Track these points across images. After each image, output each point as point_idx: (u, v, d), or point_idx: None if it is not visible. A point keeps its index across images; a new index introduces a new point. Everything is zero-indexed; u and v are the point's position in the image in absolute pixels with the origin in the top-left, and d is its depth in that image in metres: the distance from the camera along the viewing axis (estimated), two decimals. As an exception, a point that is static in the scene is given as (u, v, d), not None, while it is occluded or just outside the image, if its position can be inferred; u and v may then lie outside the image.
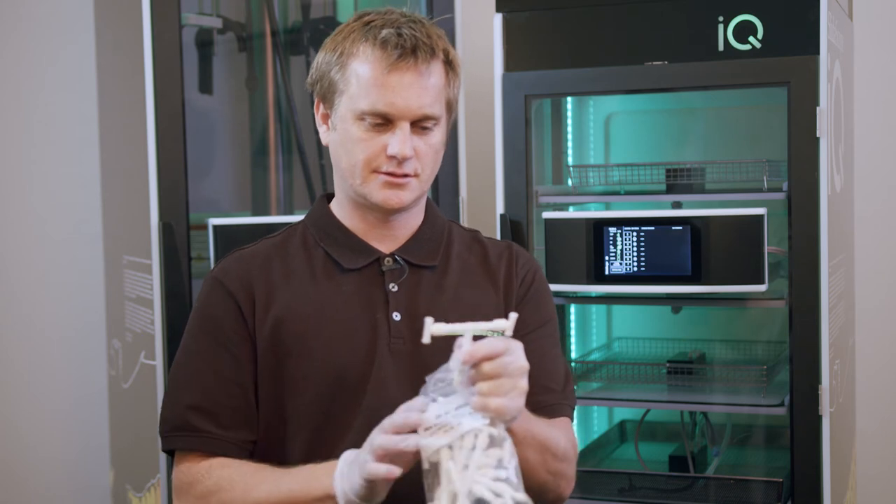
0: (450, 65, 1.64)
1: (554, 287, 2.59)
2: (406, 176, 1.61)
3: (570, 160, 2.95)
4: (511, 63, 2.61)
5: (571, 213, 2.70)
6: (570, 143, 2.97)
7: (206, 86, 2.93)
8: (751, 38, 2.44)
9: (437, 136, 1.64)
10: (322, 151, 3.01)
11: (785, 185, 2.43)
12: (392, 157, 1.59)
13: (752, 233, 2.42)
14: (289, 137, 3.00)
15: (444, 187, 2.79)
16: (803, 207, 2.37)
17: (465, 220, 2.80)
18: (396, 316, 1.64)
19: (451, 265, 1.71)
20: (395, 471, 1.38)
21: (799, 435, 2.40)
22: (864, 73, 3.06)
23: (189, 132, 2.55)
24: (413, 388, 1.60)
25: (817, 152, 2.35)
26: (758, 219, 2.42)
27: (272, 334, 1.62)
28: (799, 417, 2.39)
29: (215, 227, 2.56)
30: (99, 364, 3.17)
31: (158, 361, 2.52)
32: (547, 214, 2.59)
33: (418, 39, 1.58)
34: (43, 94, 3.20)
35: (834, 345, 2.45)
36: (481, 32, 2.76)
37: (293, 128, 2.93)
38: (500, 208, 2.61)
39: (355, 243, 1.68)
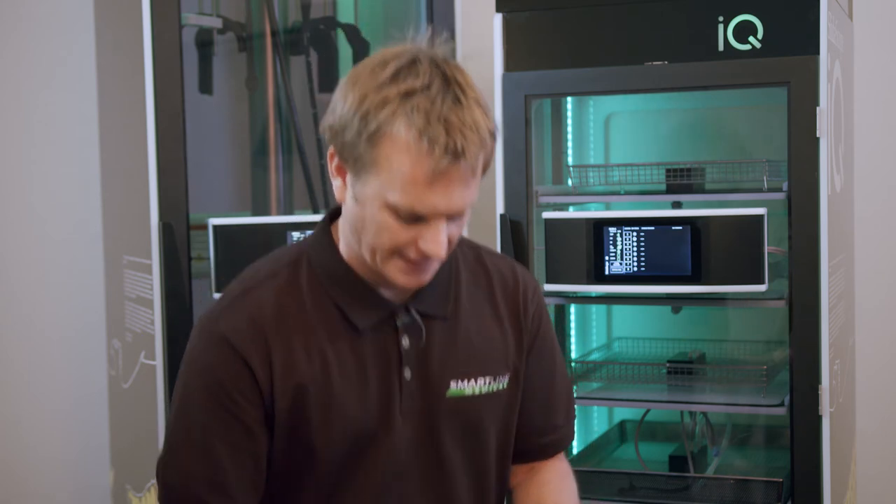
0: (494, 139, 1.46)
1: (554, 287, 2.60)
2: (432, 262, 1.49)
3: (570, 160, 2.95)
4: (511, 63, 2.61)
5: (571, 213, 2.70)
6: (570, 143, 2.97)
7: (206, 86, 2.93)
8: (751, 38, 2.44)
9: (470, 210, 1.48)
10: (322, 151, 3.01)
11: (785, 185, 2.43)
12: (422, 251, 1.44)
13: (752, 233, 2.42)
14: (289, 137, 3.00)
15: (444, 187, 2.79)
16: (803, 207, 2.37)
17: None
18: (407, 373, 1.55)
19: (461, 311, 1.61)
20: None
21: (799, 435, 2.40)
22: (864, 73, 3.06)
23: (189, 132, 2.55)
24: (421, 445, 1.56)
25: (817, 152, 2.35)
26: (758, 219, 2.42)
27: (292, 403, 1.51)
28: (799, 417, 2.39)
29: (215, 227, 2.56)
30: (99, 364, 3.16)
31: (158, 361, 2.52)
32: (547, 214, 2.59)
33: (468, 140, 1.39)
34: (43, 94, 3.20)
35: (834, 345, 2.45)
36: (481, 32, 2.75)
37: (293, 128, 2.93)
38: (500, 208, 2.61)
39: (368, 295, 1.54)
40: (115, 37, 2.89)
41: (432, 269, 1.50)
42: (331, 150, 1.50)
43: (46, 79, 3.20)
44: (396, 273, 1.48)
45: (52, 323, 3.21)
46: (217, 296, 2.42)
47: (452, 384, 1.58)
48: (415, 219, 1.43)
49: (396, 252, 1.46)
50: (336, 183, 1.51)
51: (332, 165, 1.51)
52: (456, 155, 1.38)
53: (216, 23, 2.90)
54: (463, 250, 1.66)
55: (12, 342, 3.17)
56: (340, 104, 1.45)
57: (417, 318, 1.56)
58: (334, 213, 1.60)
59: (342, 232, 1.56)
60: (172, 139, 2.52)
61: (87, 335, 3.21)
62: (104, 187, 3.11)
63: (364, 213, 1.46)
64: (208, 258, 2.59)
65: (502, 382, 1.63)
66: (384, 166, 1.40)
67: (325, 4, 3.05)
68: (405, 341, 1.56)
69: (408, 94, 1.40)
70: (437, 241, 1.43)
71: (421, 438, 1.57)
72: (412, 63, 1.43)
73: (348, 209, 1.50)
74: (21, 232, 3.18)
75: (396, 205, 1.41)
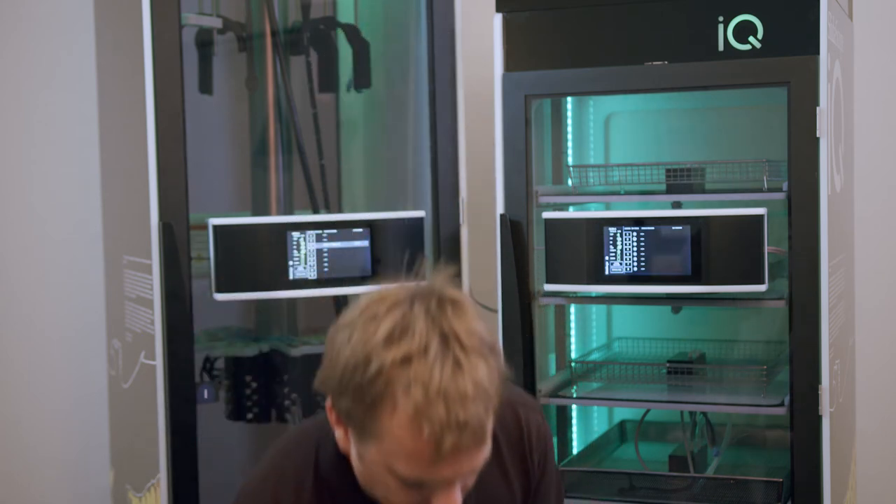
0: (500, 379, 1.39)
1: (554, 287, 2.60)
2: None
3: (570, 160, 2.95)
4: (511, 63, 2.61)
5: (571, 213, 2.70)
6: (570, 143, 2.97)
7: (206, 86, 2.93)
8: (751, 38, 2.44)
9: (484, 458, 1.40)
10: (322, 151, 3.01)
11: (785, 185, 2.43)
12: None
13: (752, 233, 2.42)
14: (289, 137, 2.99)
15: (444, 187, 2.79)
16: (803, 207, 2.37)
17: (464, 220, 2.80)
18: None
19: (472, 493, 1.54)
20: None
21: (799, 435, 2.40)
22: (864, 73, 3.06)
23: (189, 132, 2.54)
24: None
25: (817, 152, 2.35)
26: (758, 219, 2.42)
27: None
28: (799, 417, 2.39)
29: (215, 227, 2.56)
30: (99, 364, 3.16)
31: (158, 361, 2.52)
32: (547, 214, 2.59)
33: (470, 411, 1.30)
34: (43, 94, 3.20)
35: (834, 345, 2.45)
36: (481, 32, 2.75)
37: (293, 128, 2.93)
38: (500, 208, 2.61)
39: None
40: (115, 37, 2.89)
41: None
42: (328, 402, 1.42)
43: (46, 79, 3.19)
44: None
45: (52, 323, 3.21)
46: (217, 294, 2.40)
47: None
48: (422, 486, 1.36)
49: None
50: (338, 433, 1.45)
51: (331, 417, 1.44)
52: (460, 429, 1.30)
53: (216, 23, 2.90)
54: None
55: (12, 342, 3.17)
56: (333, 361, 1.37)
57: None
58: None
59: (357, 473, 1.48)
60: (172, 139, 2.51)
61: (87, 335, 3.21)
62: (104, 187, 3.11)
63: (371, 472, 1.40)
64: (208, 258, 2.59)
65: None
66: (385, 437, 1.33)
67: (325, 4, 3.05)
68: None
69: (404, 362, 1.31)
70: (450, 502, 1.37)
71: None
72: (406, 320, 1.34)
73: (354, 460, 1.44)
74: (21, 232, 3.18)
75: (403, 476, 1.35)
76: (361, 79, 3.00)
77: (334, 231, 2.64)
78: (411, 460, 1.33)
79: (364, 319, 1.36)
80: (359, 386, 1.33)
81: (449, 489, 1.37)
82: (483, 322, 1.39)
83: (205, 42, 2.91)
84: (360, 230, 2.66)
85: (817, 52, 2.36)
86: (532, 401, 1.72)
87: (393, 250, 2.69)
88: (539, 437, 1.65)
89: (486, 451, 1.38)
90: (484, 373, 1.34)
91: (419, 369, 1.30)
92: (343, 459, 1.49)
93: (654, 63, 2.50)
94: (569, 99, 2.94)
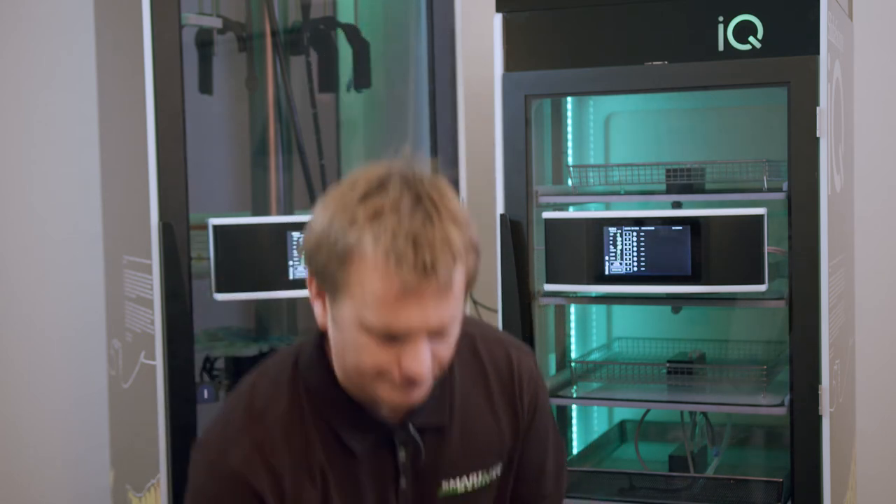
0: (475, 252, 1.44)
1: (554, 287, 2.60)
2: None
3: (570, 160, 2.95)
4: (511, 63, 2.61)
5: (571, 213, 2.70)
6: (570, 143, 2.97)
7: (206, 86, 2.93)
8: (751, 38, 2.44)
9: (457, 327, 1.45)
10: (322, 151, 3.01)
11: (785, 185, 2.43)
12: (405, 372, 1.40)
13: (752, 233, 2.42)
14: (289, 137, 2.99)
15: (444, 187, 2.79)
16: (803, 207, 2.37)
17: (465, 220, 2.80)
18: (403, 483, 1.55)
19: (457, 413, 1.59)
20: None
21: (799, 435, 2.40)
22: (864, 73, 3.06)
23: (189, 132, 2.54)
24: None
25: (817, 152, 2.35)
26: (758, 219, 2.42)
27: None
28: (799, 417, 2.39)
29: (215, 227, 2.56)
30: (99, 364, 3.16)
31: (158, 361, 2.52)
32: (547, 214, 2.59)
33: (438, 255, 1.35)
34: (43, 94, 3.20)
35: (834, 345, 2.45)
36: (481, 32, 2.75)
37: (293, 128, 2.93)
38: (500, 208, 2.61)
39: (363, 418, 1.52)
40: (115, 37, 2.89)
41: (425, 385, 1.45)
42: (308, 273, 1.47)
43: (46, 79, 3.19)
44: (387, 393, 1.45)
45: (52, 323, 3.21)
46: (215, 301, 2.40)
47: (444, 484, 1.57)
48: (392, 338, 1.39)
49: (381, 374, 1.42)
50: (317, 308, 1.49)
51: (311, 290, 1.48)
52: (425, 271, 1.34)
53: (216, 23, 2.90)
54: (458, 345, 1.56)
55: (12, 342, 3.16)
56: (313, 226, 1.43)
57: (416, 435, 1.54)
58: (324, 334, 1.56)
59: (334, 352, 1.52)
60: (172, 139, 2.51)
61: (87, 335, 3.21)
62: (104, 187, 3.11)
63: (344, 336, 1.43)
64: (208, 258, 2.59)
65: (495, 472, 1.62)
66: (356, 287, 1.38)
67: (325, 4, 3.05)
68: (402, 455, 1.54)
69: (376, 214, 1.37)
70: (418, 360, 1.39)
71: None
72: (382, 182, 1.40)
73: (331, 334, 1.48)
74: (21, 232, 3.18)
75: (371, 325, 1.38)
76: (361, 79, 3.00)
77: (334, 231, 2.63)
78: (380, 305, 1.36)
79: (344, 187, 1.43)
80: (334, 241, 1.38)
81: (417, 344, 1.39)
82: (462, 206, 1.44)
83: (205, 42, 2.91)
84: (360, 230, 2.65)
85: (817, 52, 2.36)
86: (527, 347, 1.73)
87: (393, 250, 2.68)
88: (530, 381, 1.66)
89: (454, 310, 1.41)
90: (455, 233, 1.38)
91: (390, 219, 1.36)
92: (322, 359, 1.52)
93: (654, 63, 2.50)
94: (569, 99, 2.94)
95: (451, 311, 1.40)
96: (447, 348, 1.45)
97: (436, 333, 1.41)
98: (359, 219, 1.37)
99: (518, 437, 1.65)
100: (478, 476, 1.60)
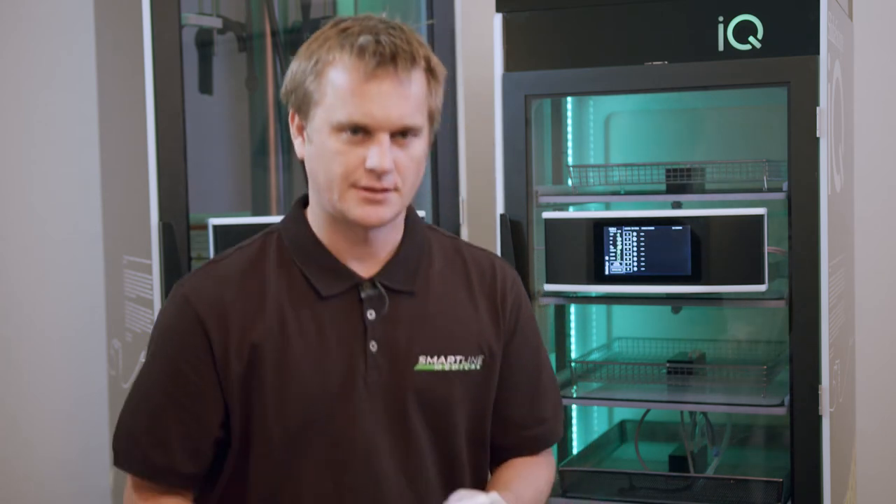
0: (431, 73, 1.57)
1: (554, 287, 2.60)
2: (385, 191, 1.53)
3: (570, 160, 2.95)
4: (511, 63, 2.61)
5: (571, 213, 2.70)
6: (570, 143, 2.97)
7: (206, 86, 2.93)
8: (751, 38, 2.44)
9: (419, 147, 1.56)
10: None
11: (785, 185, 2.43)
12: (371, 171, 1.50)
13: (752, 233, 2.42)
14: (289, 137, 2.99)
15: (444, 187, 2.79)
16: (803, 207, 2.37)
17: (465, 220, 2.80)
18: (373, 346, 1.58)
19: (432, 290, 1.65)
20: None
21: (799, 435, 2.40)
22: (864, 73, 3.06)
23: (189, 132, 2.54)
24: (388, 420, 1.58)
25: (817, 152, 2.35)
26: (758, 219, 2.42)
27: (247, 365, 1.55)
28: (799, 417, 2.39)
29: (215, 227, 2.56)
30: (99, 364, 3.16)
31: (158, 361, 2.52)
32: (547, 214, 2.59)
33: (398, 46, 1.51)
34: (43, 94, 3.20)
35: (834, 345, 2.45)
36: (481, 32, 2.75)
37: (293, 128, 2.93)
38: (500, 208, 2.61)
39: (333, 266, 1.60)
40: (115, 37, 2.89)
41: (390, 202, 1.54)
42: (291, 112, 1.60)
43: (46, 79, 3.19)
44: (354, 206, 1.53)
45: (52, 323, 3.21)
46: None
47: (422, 359, 1.61)
48: (356, 131, 1.51)
49: (349, 181, 1.52)
50: (297, 143, 1.61)
51: (293, 127, 1.61)
52: (384, 58, 1.49)
53: (216, 23, 2.90)
54: (440, 238, 1.72)
55: (12, 342, 3.17)
56: (294, 65, 1.58)
57: (382, 290, 1.60)
58: (306, 198, 1.67)
59: (311, 208, 1.64)
60: (172, 139, 2.51)
61: (87, 335, 3.21)
62: (104, 187, 3.11)
63: (317, 150, 1.55)
64: (208, 258, 2.59)
65: (475, 363, 1.65)
66: (327, 90, 1.52)
67: (325, 4, 3.05)
68: (370, 314, 1.59)
69: (346, 30, 1.53)
70: (380, 155, 1.50)
71: (387, 412, 1.58)
72: (363, 19, 1.56)
73: (309, 162, 1.58)
74: (21, 232, 3.18)
75: (340, 121, 1.50)
76: (361, 79, 3.00)
77: (334, 231, 2.63)
78: (345, 97, 1.50)
79: (325, 26, 1.59)
80: (313, 64, 1.54)
81: (379, 142, 1.50)
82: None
83: (205, 42, 2.91)
84: (360, 230, 2.65)
85: (817, 52, 2.36)
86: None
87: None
88: (513, 286, 1.72)
89: (413, 114, 1.53)
90: (416, 44, 1.54)
91: (357, 28, 1.53)
92: (300, 214, 1.65)
93: (654, 63, 2.50)
94: (569, 99, 2.94)
95: (410, 111, 1.52)
96: (409, 162, 1.54)
97: (397, 135, 1.52)
98: (331, 36, 1.54)
99: (500, 337, 1.68)
100: (456, 360, 1.63)
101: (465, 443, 1.66)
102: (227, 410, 1.57)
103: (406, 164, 1.54)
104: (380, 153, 1.50)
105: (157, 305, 2.51)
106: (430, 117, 1.58)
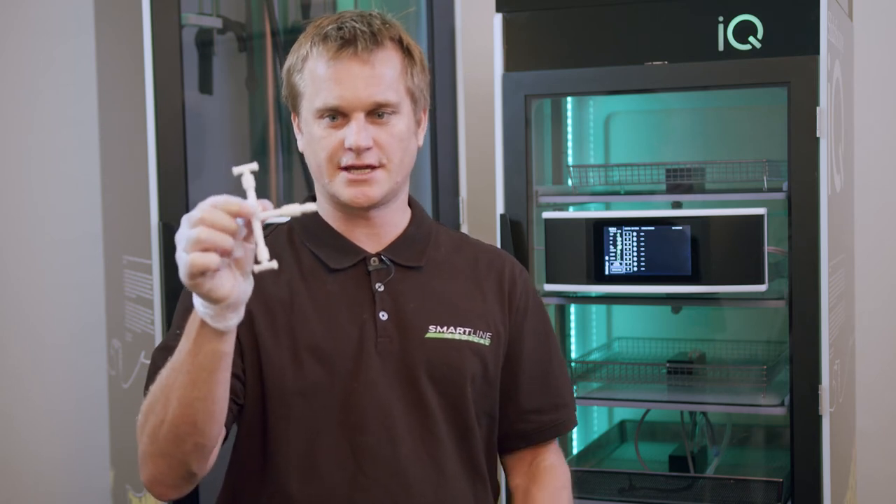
0: (406, 52, 1.66)
1: (554, 287, 2.60)
2: (370, 168, 1.61)
3: (570, 160, 2.95)
4: (511, 63, 2.61)
5: (571, 213, 2.70)
6: (570, 143, 2.97)
7: (206, 86, 2.93)
8: (751, 38, 2.44)
9: (399, 124, 1.63)
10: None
11: (785, 185, 2.43)
12: (350, 150, 1.59)
13: (752, 233, 2.42)
14: (289, 137, 2.99)
15: (444, 187, 2.79)
16: (803, 207, 2.37)
17: (465, 220, 2.80)
18: (383, 315, 1.64)
19: (439, 267, 1.71)
20: (214, 259, 1.32)
21: (799, 435, 2.40)
22: (864, 73, 3.06)
23: (189, 132, 2.54)
24: (400, 386, 1.62)
25: (817, 152, 2.35)
26: (758, 219, 2.42)
27: (264, 324, 1.61)
28: (799, 417, 2.39)
29: (215, 227, 2.56)
30: (99, 364, 3.16)
31: (158, 361, 2.52)
32: (547, 214, 2.59)
33: (357, 29, 1.60)
34: (43, 94, 3.20)
35: (834, 345, 2.45)
36: (481, 32, 2.75)
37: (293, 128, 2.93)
38: (500, 208, 2.61)
39: (341, 243, 1.69)
40: (115, 37, 2.89)
41: (376, 180, 1.62)
42: (292, 116, 1.71)
43: (46, 79, 3.20)
44: (342, 188, 1.62)
45: (52, 323, 3.21)
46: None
47: (432, 328, 1.65)
48: (334, 116, 1.60)
49: (335, 163, 1.62)
50: (299, 138, 1.71)
51: (294, 125, 1.71)
52: (345, 41, 1.59)
53: (216, 23, 2.90)
54: (447, 232, 1.80)
55: (12, 342, 3.17)
56: (284, 67, 1.69)
57: (389, 263, 1.67)
58: (313, 198, 1.76)
59: (318, 199, 1.73)
60: (172, 139, 2.51)
61: (87, 335, 3.21)
62: (104, 187, 3.11)
63: (307, 139, 1.65)
64: (208, 258, 2.59)
65: (484, 338, 1.69)
66: (308, 81, 1.63)
67: (325, 4, 3.05)
68: (379, 286, 1.66)
69: (319, 24, 1.64)
70: (355, 132, 1.58)
71: (399, 379, 1.62)
72: (339, 15, 1.66)
73: (305, 152, 1.68)
74: (21, 232, 3.18)
75: (317, 108, 1.61)
76: (361, 79, 3.00)
77: (334, 231, 2.63)
78: (320, 84, 1.60)
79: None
80: (294, 52, 1.65)
81: (355, 121, 1.59)
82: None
83: (205, 42, 2.91)
84: (360, 230, 2.65)
85: (817, 52, 2.36)
86: None
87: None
88: (521, 276, 1.78)
89: (386, 93, 1.60)
90: (385, 29, 1.64)
91: (330, 20, 1.63)
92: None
93: (654, 63, 2.50)
94: (569, 99, 2.94)
95: (381, 89, 1.60)
96: (390, 139, 1.62)
97: (373, 114, 1.60)
98: (308, 32, 1.65)
99: (507, 317, 1.72)
100: (465, 331, 1.68)
101: (474, 415, 1.69)
102: (243, 363, 1.61)
103: (387, 140, 1.62)
104: (355, 131, 1.59)
105: (157, 305, 2.51)
106: (411, 96, 1.66)
